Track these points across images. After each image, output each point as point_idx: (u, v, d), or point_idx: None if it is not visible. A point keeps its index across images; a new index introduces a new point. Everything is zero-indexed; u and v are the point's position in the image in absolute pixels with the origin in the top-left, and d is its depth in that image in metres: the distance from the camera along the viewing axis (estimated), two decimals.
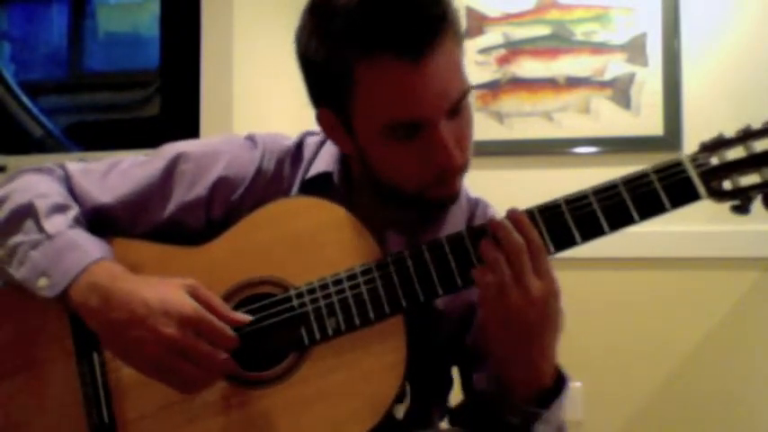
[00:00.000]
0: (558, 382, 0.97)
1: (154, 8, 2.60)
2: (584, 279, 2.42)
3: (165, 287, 0.96)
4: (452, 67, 0.95)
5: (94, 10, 2.78)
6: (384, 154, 0.99)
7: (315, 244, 1.01)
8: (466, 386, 1.13)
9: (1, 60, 2.82)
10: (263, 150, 1.12)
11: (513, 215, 0.93)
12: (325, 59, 0.96)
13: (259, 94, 2.44)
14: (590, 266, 2.40)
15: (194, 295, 0.95)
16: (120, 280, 0.98)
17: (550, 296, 0.91)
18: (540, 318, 0.91)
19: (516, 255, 0.90)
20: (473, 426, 1.06)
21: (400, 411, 1.00)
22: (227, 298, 1.02)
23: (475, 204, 1.17)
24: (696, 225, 2.25)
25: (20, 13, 2.85)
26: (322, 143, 1.14)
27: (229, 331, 0.94)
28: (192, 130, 2.38)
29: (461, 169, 1.00)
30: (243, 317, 0.98)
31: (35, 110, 2.77)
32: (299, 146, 1.14)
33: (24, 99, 2.78)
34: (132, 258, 1.05)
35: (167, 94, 2.58)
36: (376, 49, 0.91)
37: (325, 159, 1.11)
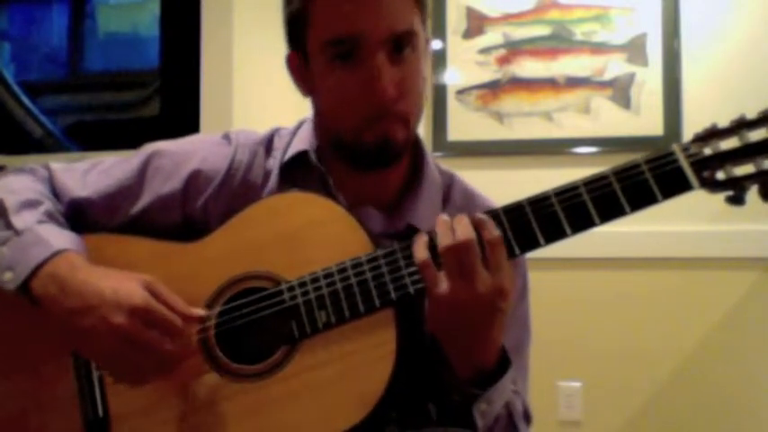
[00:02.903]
0: (503, 362, 0.98)
1: (154, 8, 2.60)
2: (584, 279, 2.42)
3: (120, 279, 0.98)
4: (398, 1, 1.00)
5: (94, 10, 2.78)
6: (328, 84, 1.04)
7: (308, 239, 1.01)
8: None
9: (1, 60, 2.83)
10: (236, 145, 1.15)
11: (475, 217, 0.94)
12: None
13: (259, 94, 2.44)
14: (590, 267, 2.40)
15: (150, 289, 0.97)
16: (79, 270, 0.99)
17: (497, 295, 0.91)
18: (483, 313, 0.92)
19: (465, 248, 0.91)
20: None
21: None
22: (220, 293, 1.02)
23: (449, 179, 1.18)
24: (696, 225, 2.24)
25: (20, 13, 2.85)
26: (294, 132, 1.17)
27: (178, 321, 0.96)
28: (192, 130, 2.37)
29: (396, 111, 1.02)
30: (197, 311, 1.00)
31: (35, 110, 2.77)
32: (270, 137, 1.17)
33: (24, 99, 2.78)
34: (125, 254, 1.05)
35: (167, 94, 2.58)
36: None
37: (301, 140, 1.14)
